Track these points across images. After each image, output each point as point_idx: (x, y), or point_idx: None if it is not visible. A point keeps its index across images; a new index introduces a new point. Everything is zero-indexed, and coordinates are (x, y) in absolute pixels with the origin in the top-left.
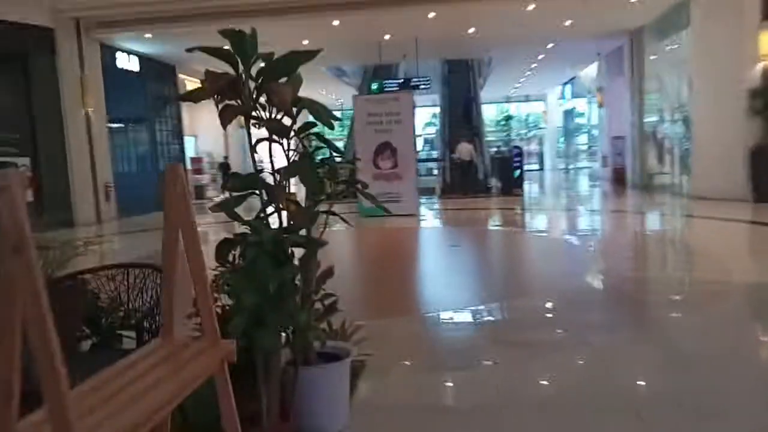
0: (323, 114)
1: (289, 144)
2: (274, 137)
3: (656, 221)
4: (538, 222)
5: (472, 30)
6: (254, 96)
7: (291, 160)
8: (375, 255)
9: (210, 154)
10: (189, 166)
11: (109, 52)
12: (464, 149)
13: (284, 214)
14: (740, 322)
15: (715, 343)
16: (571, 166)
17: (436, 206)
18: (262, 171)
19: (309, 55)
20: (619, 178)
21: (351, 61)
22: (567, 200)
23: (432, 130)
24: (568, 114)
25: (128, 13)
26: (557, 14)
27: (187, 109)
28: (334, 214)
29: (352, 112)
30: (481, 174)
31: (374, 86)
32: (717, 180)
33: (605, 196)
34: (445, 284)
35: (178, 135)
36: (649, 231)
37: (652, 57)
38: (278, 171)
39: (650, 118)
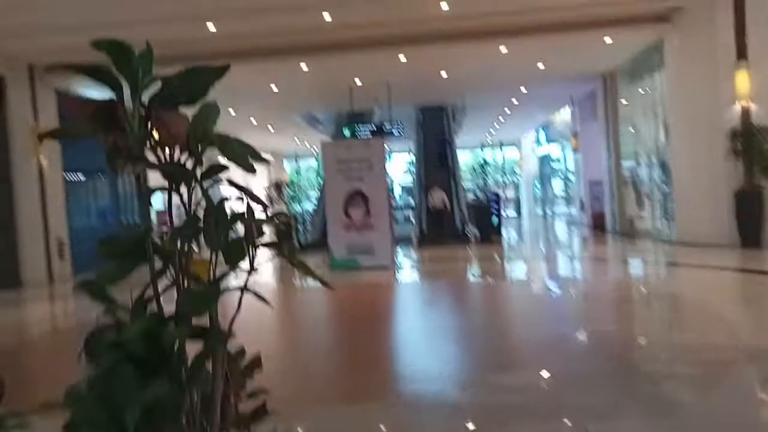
0: (241, 155)
1: (189, 194)
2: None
3: (644, 272)
4: (519, 275)
5: (444, 74)
6: (143, 129)
7: (191, 216)
8: (339, 318)
9: (179, 206)
10: (155, 220)
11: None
12: (437, 197)
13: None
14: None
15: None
16: (548, 212)
17: (412, 257)
18: (152, 230)
19: (216, 72)
20: (598, 224)
21: (323, 108)
22: (547, 249)
23: (410, 177)
24: (544, 159)
25: (84, 60)
26: (529, 56)
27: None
28: (248, 290)
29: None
30: (459, 221)
31: (347, 132)
32: (701, 225)
33: (586, 243)
34: (420, 355)
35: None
36: (639, 284)
37: (624, 102)
38: (173, 230)
39: (627, 162)
